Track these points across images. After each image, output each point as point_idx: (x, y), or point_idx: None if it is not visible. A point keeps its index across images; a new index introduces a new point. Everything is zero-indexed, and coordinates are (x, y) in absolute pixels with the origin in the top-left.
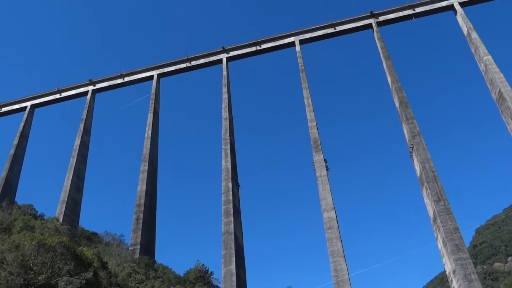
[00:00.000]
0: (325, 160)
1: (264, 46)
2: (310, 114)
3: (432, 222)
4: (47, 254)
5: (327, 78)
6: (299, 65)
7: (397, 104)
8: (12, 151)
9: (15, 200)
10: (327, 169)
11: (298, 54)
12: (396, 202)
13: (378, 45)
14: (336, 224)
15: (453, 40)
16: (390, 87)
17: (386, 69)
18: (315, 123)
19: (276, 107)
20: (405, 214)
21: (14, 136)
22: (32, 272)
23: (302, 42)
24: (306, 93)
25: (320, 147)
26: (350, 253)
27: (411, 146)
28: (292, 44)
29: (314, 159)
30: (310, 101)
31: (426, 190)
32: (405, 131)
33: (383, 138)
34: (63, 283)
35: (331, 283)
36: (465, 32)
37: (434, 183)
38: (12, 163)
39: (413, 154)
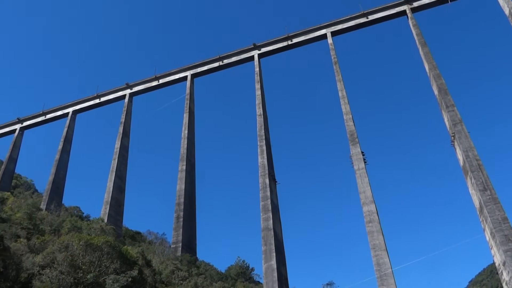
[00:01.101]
0: (362, 152)
1: (295, 40)
2: (345, 107)
3: (478, 212)
4: (94, 254)
5: (361, 68)
6: (332, 57)
7: (436, 92)
8: (57, 156)
9: (63, 202)
10: (365, 162)
11: (330, 47)
12: (438, 193)
13: (414, 32)
14: (377, 218)
15: (493, 22)
16: (428, 74)
17: (423, 56)
18: (351, 116)
19: (310, 101)
20: (448, 205)
21: (59, 141)
22: (81, 271)
23: (334, 34)
24: (340, 86)
25: (357, 139)
26: (393, 247)
27: (453, 134)
28: (324, 36)
29: (351, 152)
30: (344, 93)
31: (471, 180)
32: (446, 119)
33: (422, 127)
34: (111, 281)
35: (374, 278)
36: (506, 12)
37: (479, 172)
38: (58, 167)
39: (455, 143)
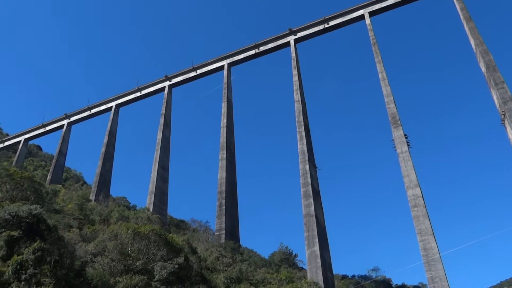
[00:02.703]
0: (405, 135)
1: (332, 23)
2: (386, 89)
3: None
4: (142, 242)
5: (401, 48)
6: (371, 38)
7: (483, 69)
8: (103, 149)
9: (110, 193)
10: (408, 145)
11: (368, 27)
12: (488, 174)
13: (458, 6)
14: (422, 202)
15: None
16: (474, 50)
17: (468, 32)
18: (392, 98)
19: (349, 84)
20: (499, 187)
21: (104, 135)
22: (130, 258)
23: (371, 14)
24: (380, 67)
25: (399, 122)
26: (440, 231)
27: (503, 113)
28: (361, 17)
29: (393, 135)
30: (385, 75)
31: None
32: (495, 97)
33: (469, 106)
34: (158, 268)
35: (421, 263)
36: None
37: None
38: (104, 159)
39: (506, 122)
